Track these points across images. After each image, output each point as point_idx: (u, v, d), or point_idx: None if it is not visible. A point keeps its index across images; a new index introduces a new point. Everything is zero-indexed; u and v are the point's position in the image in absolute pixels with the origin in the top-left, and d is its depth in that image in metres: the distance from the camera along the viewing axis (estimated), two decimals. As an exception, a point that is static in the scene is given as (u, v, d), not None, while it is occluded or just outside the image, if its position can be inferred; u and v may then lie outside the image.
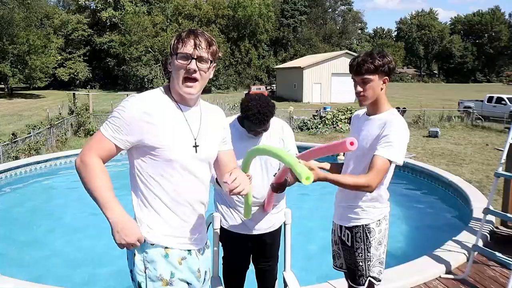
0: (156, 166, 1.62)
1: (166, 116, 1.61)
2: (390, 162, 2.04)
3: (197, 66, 1.58)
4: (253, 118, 2.36)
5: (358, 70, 2.13)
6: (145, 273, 1.63)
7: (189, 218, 1.71)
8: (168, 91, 1.67)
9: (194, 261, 1.72)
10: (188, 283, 1.69)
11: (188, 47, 1.57)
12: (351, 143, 1.69)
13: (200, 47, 1.57)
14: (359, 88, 2.15)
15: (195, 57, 1.57)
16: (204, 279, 1.79)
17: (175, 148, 1.60)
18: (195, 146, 1.66)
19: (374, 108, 2.20)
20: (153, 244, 1.64)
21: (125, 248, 1.61)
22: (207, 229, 2.19)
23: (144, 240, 1.62)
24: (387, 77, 2.15)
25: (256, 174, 2.50)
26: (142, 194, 1.65)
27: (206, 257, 1.82)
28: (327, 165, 2.36)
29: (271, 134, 2.58)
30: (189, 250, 1.71)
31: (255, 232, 2.62)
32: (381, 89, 2.15)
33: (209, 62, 1.61)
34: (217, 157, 1.81)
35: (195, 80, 1.59)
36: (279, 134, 2.61)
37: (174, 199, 1.66)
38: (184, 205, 1.68)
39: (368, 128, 2.18)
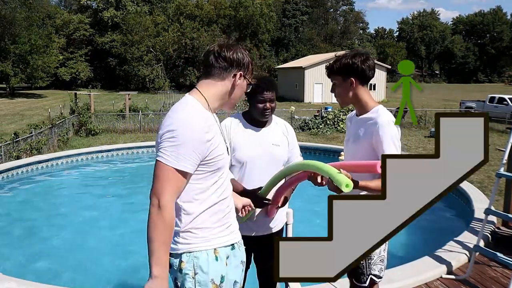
0: (198, 174, 1.64)
1: (217, 129, 1.70)
2: None
3: None
4: (263, 83, 2.43)
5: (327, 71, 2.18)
6: (194, 278, 1.63)
7: (230, 213, 1.80)
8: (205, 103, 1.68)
9: (238, 254, 1.80)
10: (235, 282, 1.77)
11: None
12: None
13: None
14: (332, 90, 2.19)
15: None
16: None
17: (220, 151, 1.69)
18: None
19: (359, 109, 2.23)
20: (202, 250, 1.65)
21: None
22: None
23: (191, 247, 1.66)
24: (352, 78, 2.11)
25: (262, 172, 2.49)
26: (184, 202, 1.65)
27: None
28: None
29: (277, 126, 2.60)
30: (232, 245, 1.77)
31: (257, 234, 2.61)
32: (350, 91, 2.14)
33: None
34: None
35: None
36: (283, 130, 2.61)
37: (218, 198, 1.71)
38: (224, 203, 1.75)
39: (358, 128, 2.20)
